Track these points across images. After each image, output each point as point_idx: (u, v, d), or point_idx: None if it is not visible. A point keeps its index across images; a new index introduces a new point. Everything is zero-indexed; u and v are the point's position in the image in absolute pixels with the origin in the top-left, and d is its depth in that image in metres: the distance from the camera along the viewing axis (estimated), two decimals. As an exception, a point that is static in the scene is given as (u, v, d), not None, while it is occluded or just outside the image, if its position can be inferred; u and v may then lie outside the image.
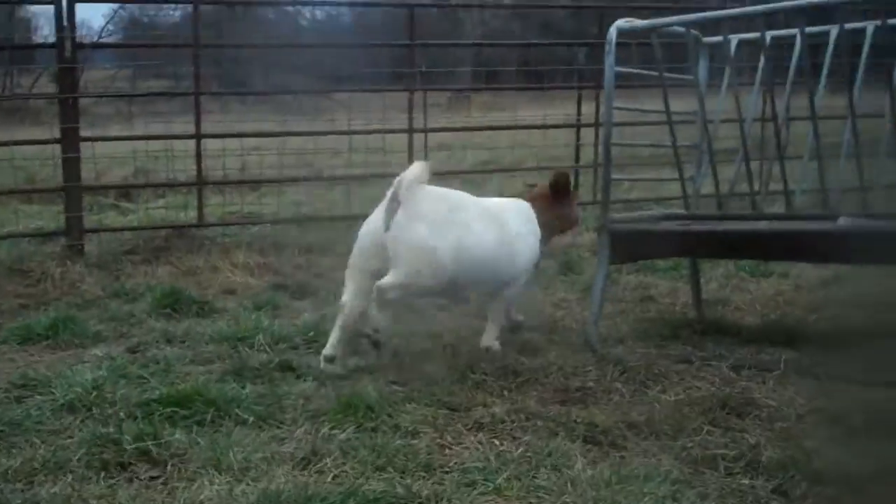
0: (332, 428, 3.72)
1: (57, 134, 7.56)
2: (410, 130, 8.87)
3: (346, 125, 10.34)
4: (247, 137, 9.01)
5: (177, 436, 3.64)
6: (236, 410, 3.93)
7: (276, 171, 9.13)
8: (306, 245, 7.64)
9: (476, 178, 11.09)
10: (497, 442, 3.63)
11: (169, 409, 3.90)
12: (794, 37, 5.10)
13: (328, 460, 3.42)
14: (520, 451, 3.49)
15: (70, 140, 7.47)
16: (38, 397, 4.19)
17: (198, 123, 7.95)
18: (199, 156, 7.94)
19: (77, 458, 3.46)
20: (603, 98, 6.90)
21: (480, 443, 3.62)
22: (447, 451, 3.57)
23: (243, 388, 4.23)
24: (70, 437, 3.72)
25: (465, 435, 3.71)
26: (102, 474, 3.37)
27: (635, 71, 5.86)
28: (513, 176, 10.35)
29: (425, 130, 11.07)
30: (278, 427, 3.83)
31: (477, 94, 20.01)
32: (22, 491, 3.24)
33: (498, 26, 29.90)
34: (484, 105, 18.89)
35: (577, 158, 9.88)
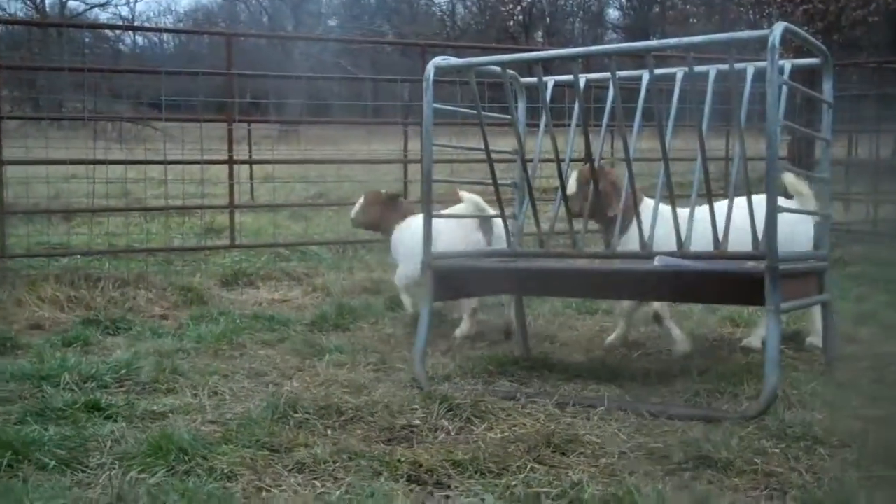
0: (140, 471, 3.53)
1: None
2: (231, 161, 8.68)
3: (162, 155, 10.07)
4: (60, 165, 8.60)
5: (-30, 484, 3.37)
6: (36, 454, 3.67)
7: (92, 199, 8.75)
8: (121, 278, 7.33)
9: (305, 211, 11.02)
10: (318, 483, 3.53)
11: (-45, 455, 3.61)
12: (608, 79, 5.28)
13: (132, 508, 3.24)
14: (340, 492, 3.40)
15: None
16: None
17: (-1, 149, 7.55)
18: (0, 183, 7.52)
19: None
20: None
21: (300, 485, 3.51)
22: (265, 493, 3.43)
23: (45, 429, 3.98)
24: None
25: (285, 477, 3.59)
26: None
27: (452, 108, 5.96)
28: (340, 209, 10.29)
29: (250, 162, 10.94)
30: (83, 471, 3.60)
31: (308, 127, 19.90)
32: None
33: (329, 60, 29.93)
34: (315, 138, 18.79)
35: (406, 194, 9.93)
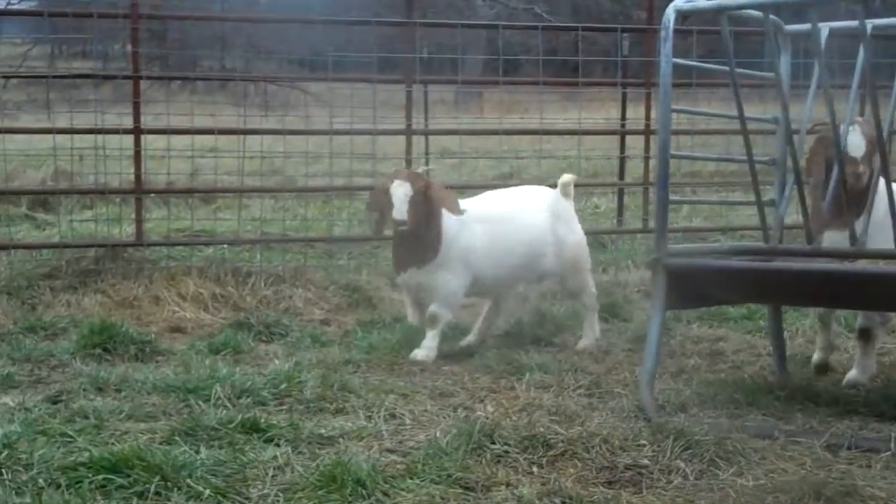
0: (311, 506, 3.70)
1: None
2: (409, 132, 8.87)
3: (326, 123, 10.37)
4: (199, 135, 9.01)
5: (110, 510, 3.61)
6: (188, 480, 3.90)
7: (237, 178, 9.15)
8: (274, 273, 7.63)
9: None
10: (525, 532, 3.60)
11: (101, 476, 3.88)
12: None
13: (308, 548, 3.39)
14: (556, 543, 3.46)
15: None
16: (-67, 455, 4.16)
17: (137, 115, 7.98)
18: (138, 156, 7.96)
19: (-17, 534, 3.44)
20: (656, 98, 6.95)
21: (510, 532, 3.60)
22: (460, 540, 3.54)
23: (197, 452, 4.21)
24: (-26, 507, 3.70)
25: (484, 522, 3.68)
26: (9, 556, 3.34)
27: (698, 65, 5.90)
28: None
29: (426, 132, 11.14)
30: (242, 503, 3.80)
31: (490, 90, 20.07)
32: (-88, 575, 3.21)
33: (519, 7, 30.07)
34: (500, 104, 18.95)
35: (622, 174, 9.90)
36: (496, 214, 6.49)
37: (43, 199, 10.42)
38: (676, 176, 9.28)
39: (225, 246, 8.15)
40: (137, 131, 7.91)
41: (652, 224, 5.31)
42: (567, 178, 6.72)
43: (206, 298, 7.23)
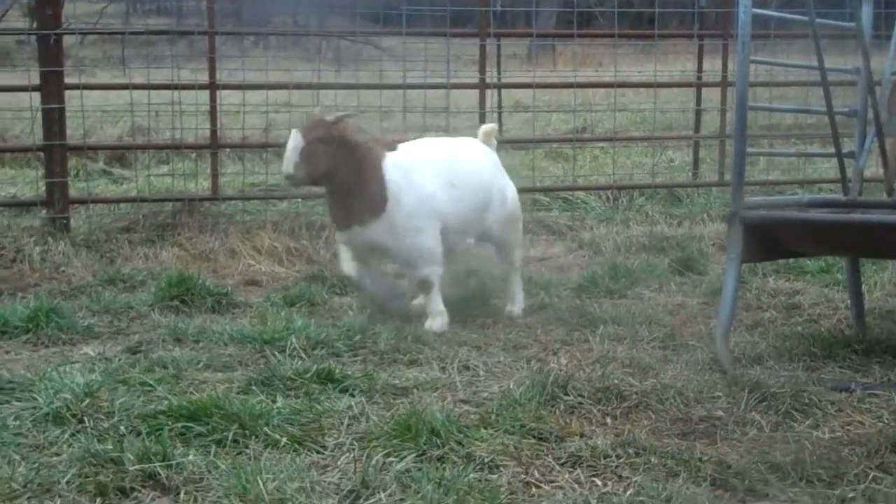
0: (386, 455, 3.75)
1: (35, 80, 7.68)
2: (482, 86, 8.86)
3: (399, 78, 10.39)
4: (274, 90, 9.08)
5: (191, 457, 3.71)
6: (265, 429, 3.98)
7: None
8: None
9: (564, 149, 11.12)
10: (599, 482, 3.63)
11: (180, 424, 3.98)
12: None
13: (383, 495, 3.45)
14: (629, 493, 3.48)
15: (51, 87, 7.59)
16: (17, 403, 4.28)
17: (212, 70, 8.06)
18: (213, 111, 8.04)
19: (66, 479, 3.53)
20: (733, 50, 6.87)
21: (578, 482, 3.62)
22: (534, 490, 3.58)
23: (273, 401, 4.30)
24: (57, 453, 3.80)
25: (558, 471, 3.71)
26: (98, 500, 3.43)
27: (777, 15, 5.82)
28: (613, 147, 10.32)
29: (499, 86, 11.12)
30: (318, 451, 3.87)
31: (565, 42, 19.94)
32: (0, 517, 3.32)
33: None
34: (573, 58, 18.83)
35: (698, 127, 9.82)
36: (444, 159, 5.98)
37: (120, 154, 10.55)
38: (753, 128, 9.19)
39: (299, 200, 8.22)
40: (213, 87, 7.98)
41: (728, 177, 5.26)
42: (489, 126, 6.33)
43: (281, 252, 7.31)
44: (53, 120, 7.55)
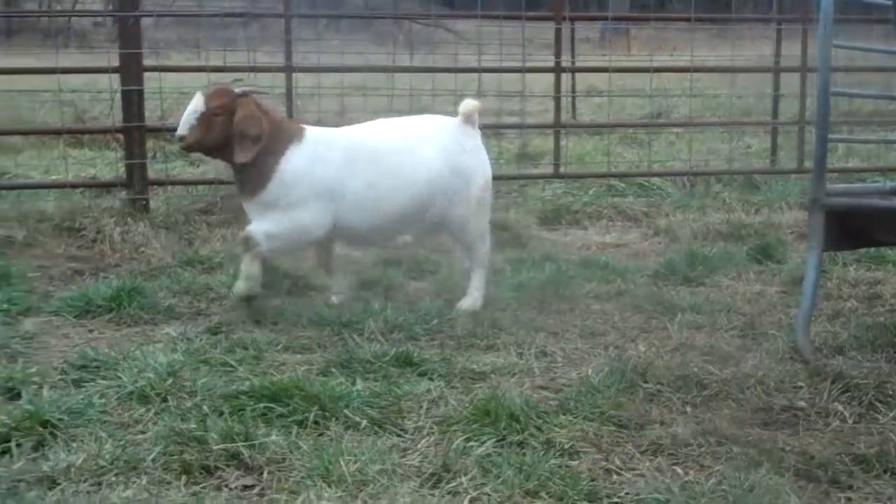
0: (466, 439, 3.78)
1: (114, 61, 7.79)
2: (558, 70, 8.83)
3: (471, 62, 10.40)
4: (350, 73, 9.12)
5: (273, 437, 3.77)
6: (345, 411, 4.03)
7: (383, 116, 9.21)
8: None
9: (639, 134, 11.07)
10: (680, 471, 3.63)
11: (262, 405, 4.04)
12: None
13: (464, 479, 3.48)
14: (711, 482, 3.48)
15: (131, 69, 7.69)
16: (102, 382, 4.37)
17: (288, 53, 8.11)
18: (289, 94, 8.10)
19: (152, 457, 3.61)
20: (812, 34, 6.77)
21: (658, 469, 3.63)
22: (615, 477, 3.59)
23: (353, 383, 4.34)
24: (142, 431, 3.89)
25: (638, 459, 3.72)
26: (184, 479, 3.50)
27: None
28: (687, 132, 10.25)
29: (574, 70, 11.09)
30: (398, 434, 3.91)
31: (639, 26, 19.83)
32: (88, 493, 3.38)
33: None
34: (647, 42, 18.71)
35: (776, 112, 9.71)
36: (372, 146, 5.70)
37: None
38: (833, 114, 9.07)
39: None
40: (289, 69, 8.03)
41: (808, 164, 5.21)
42: (468, 104, 5.89)
43: (354, 236, 7.34)
44: (132, 102, 7.65)
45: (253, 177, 5.52)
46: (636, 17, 19.75)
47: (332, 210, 5.57)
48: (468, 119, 5.83)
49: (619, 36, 19.77)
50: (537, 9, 11.35)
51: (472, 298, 5.76)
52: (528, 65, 8.93)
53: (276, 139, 5.54)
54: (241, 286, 5.49)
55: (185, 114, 5.51)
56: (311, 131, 5.70)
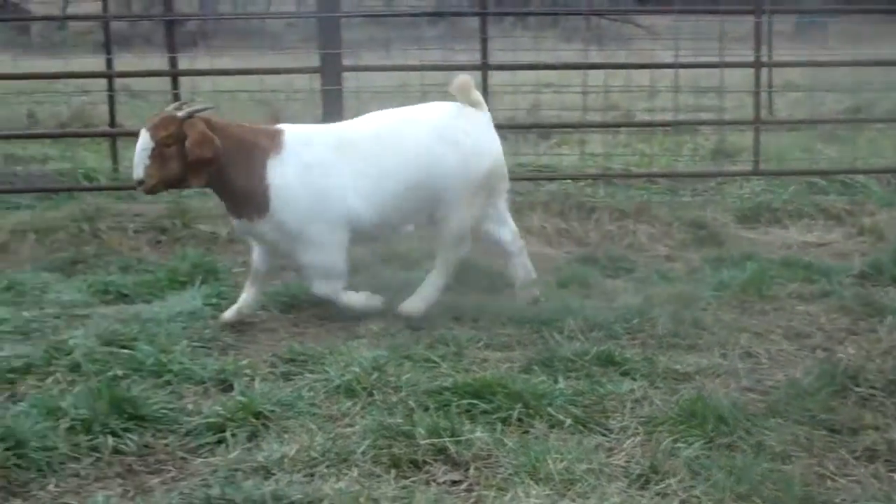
0: (673, 440, 3.76)
1: (313, 62, 7.99)
2: (758, 64, 8.65)
3: (661, 57, 10.30)
4: (536, 70, 9.12)
5: (478, 433, 3.81)
6: (549, 409, 4.05)
7: (574, 113, 9.22)
8: (618, 209, 7.66)
9: (840, 130, 10.75)
10: (897, 477, 3.53)
11: (465, 401, 4.09)
12: None
13: (672, 480, 3.47)
14: (936, 493, 3.38)
15: (331, 69, 7.87)
16: (310, 375, 4.51)
17: (484, 51, 8.17)
18: (485, 92, 8.14)
19: (361, 450, 3.71)
20: None
21: (876, 476, 3.55)
22: (830, 483, 3.52)
23: (555, 382, 4.36)
24: (350, 424, 3.99)
25: (853, 465, 3.65)
26: (393, 472, 3.58)
27: None
28: (891, 128, 9.91)
29: (773, 65, 10.85)
30: (603, 434, 3.92)
31: (836, 19, 19.26)
32: (302, 483, 3.49)
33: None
34: (845, 35, 18.17)
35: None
36: (362, 139, 5.42)
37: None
38: None
39: (568, 181, 8.25)
40: (484, 67, 8.09)
41: None
42: (458, 80, 5.57)
43: (550, 233, 7.34)
44: (332, 100, 7.82)
45: (243, 199, 5.24)
46: (840, 9, 19.14)
47: (344, 214, 5.30)
48: (466, 98, 5.56)
49: (814, 29, 19.23)
50: (731, 3, 11.13)
51: (417, 299, 5.45)
52: (729, 59, 8.80)
53: (250, 155, 5.22)
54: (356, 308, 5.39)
55: (136, 155, 5.09)
56: (290, 133, 5.38)
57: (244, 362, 4.67)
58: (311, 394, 4.28)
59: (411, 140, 5.42)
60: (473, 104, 5.58)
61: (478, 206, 5.50)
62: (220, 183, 5.23)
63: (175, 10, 9.91)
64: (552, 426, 3.95)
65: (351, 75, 8.42)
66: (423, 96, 9.76)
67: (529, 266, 5.73)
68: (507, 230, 5.71)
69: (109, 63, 8.81)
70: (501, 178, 5.67)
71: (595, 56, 10.73)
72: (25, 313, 5.39)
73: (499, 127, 9.28)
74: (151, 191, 5.21)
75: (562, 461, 3.56)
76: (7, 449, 3.67)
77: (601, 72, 8.95)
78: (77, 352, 4.68)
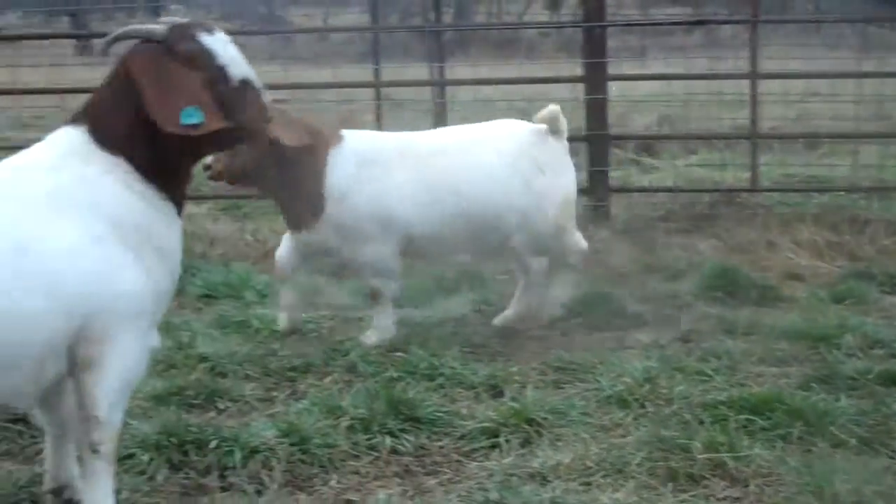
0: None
1: (569, 70, 7.98)
2: None
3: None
4: (804, 79, 8.87)
5: (757, 450, 3.73)
6: (831, 428, 3.91)
7: (844, 123, 8.91)
8: (894, 222, 7.35)
9: None
10: None
11: (742, 416, 4.00)
12: None
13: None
14: None
15: (596, 79, 7.86)
16: (580, 384, 4.52)
17: (754, 59, 8.00)
18: (753, 101, 7.97)
19: (637, 461, 3.68)
20: None
21: None
22: None
23: (836, 400, 4.21)
24: (624, 435, 3.97)
25: None
26: (670, 486, 3.54)
27: None
28: None
29: None
30: (890, 456, 3.77)
31: None
32: (578, 492, 3.49)
33: None
34: None
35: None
36: (428, 151, 5.27)
37: (647, 144, 10.68)
38: None
39: (841, 193, 7.98)
40: (754, 76, 7.92)
41: None
42: (547, 110, 5.31)
43: (822, 246, 7.09)
44: (597, 110, 7.81)
45: (304, 201, 5.13)
46: None
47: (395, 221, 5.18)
48: (553, 127, 5.33)
49: None
50: None
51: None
52: None
53: (315, 157, 5.10)
54: (374, 338, 5.15)
55: None
56: (352, 136, 5.29)
57: (514, 369, 4.71)
58: (583, 403, 4.28)
59: (480, 162, 5.27)
60: (556, 133, 5.36)
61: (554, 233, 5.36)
62: (281, 182, 5.13)
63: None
64: (835, 446, 3.82)
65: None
66: (683, 105, 9.71)
67: (535, 305, 5.47)
68: (541, 260, 5.44)
69: (377, 73, 9.07)
70: (570, 217, 5.47)
71: (867, 64, 10.35)
72: (302, 315, 5.56)
73: (772, 136, 9.12)
74: (217, 179, 5.21)
75: (849, 482, 3.43)
76: (292, 444, 3.82)
77: (874, 80, 8.64)
78: (353, 353, 4.85)
